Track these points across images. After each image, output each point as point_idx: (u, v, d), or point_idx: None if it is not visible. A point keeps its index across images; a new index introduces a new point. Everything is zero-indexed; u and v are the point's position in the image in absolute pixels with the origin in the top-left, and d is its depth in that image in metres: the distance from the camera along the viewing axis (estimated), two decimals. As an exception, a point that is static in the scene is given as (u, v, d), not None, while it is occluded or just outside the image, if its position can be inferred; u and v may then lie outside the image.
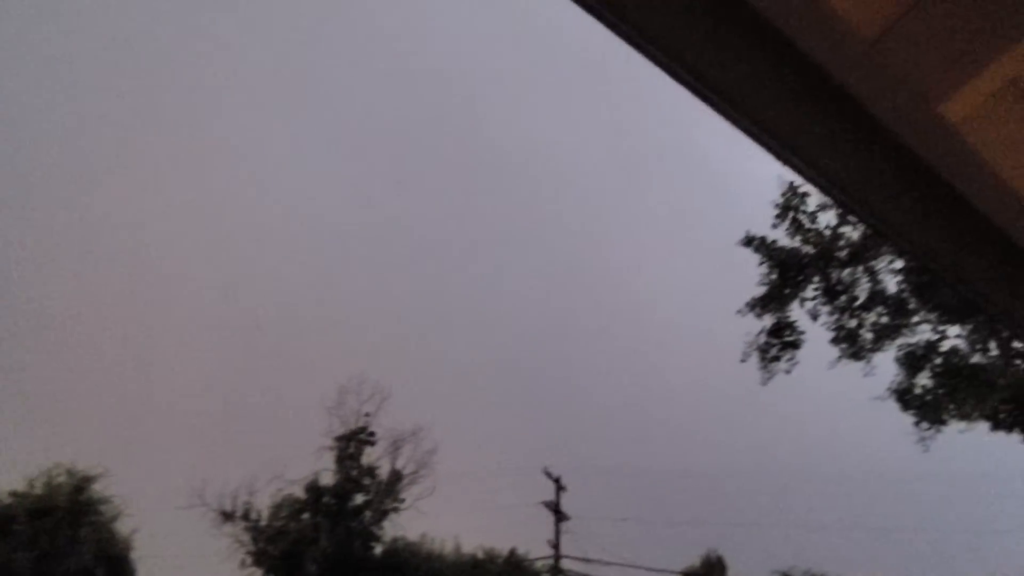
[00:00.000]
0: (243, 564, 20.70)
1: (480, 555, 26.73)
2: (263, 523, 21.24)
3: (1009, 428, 9.94)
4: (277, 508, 21.74)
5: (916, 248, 1.87)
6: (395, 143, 46.55)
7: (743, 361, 10.30)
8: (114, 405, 28.62)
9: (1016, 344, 10.01)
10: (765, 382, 10.20)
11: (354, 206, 44.87)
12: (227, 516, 20.84)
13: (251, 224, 40.90)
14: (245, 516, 21.09)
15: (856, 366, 9.99)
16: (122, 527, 20.98)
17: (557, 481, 29.43)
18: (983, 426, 10.06)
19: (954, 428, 9.93)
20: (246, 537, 20.88)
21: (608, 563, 28.76)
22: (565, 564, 27.67)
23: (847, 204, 1.69)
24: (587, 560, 27.71)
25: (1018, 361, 10.16)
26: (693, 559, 36.59)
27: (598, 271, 48.77)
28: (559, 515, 28.71)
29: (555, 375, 44.71)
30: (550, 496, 29.19)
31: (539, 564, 27.92)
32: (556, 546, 28.00)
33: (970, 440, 10.91)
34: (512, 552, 28.00)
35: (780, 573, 30.29)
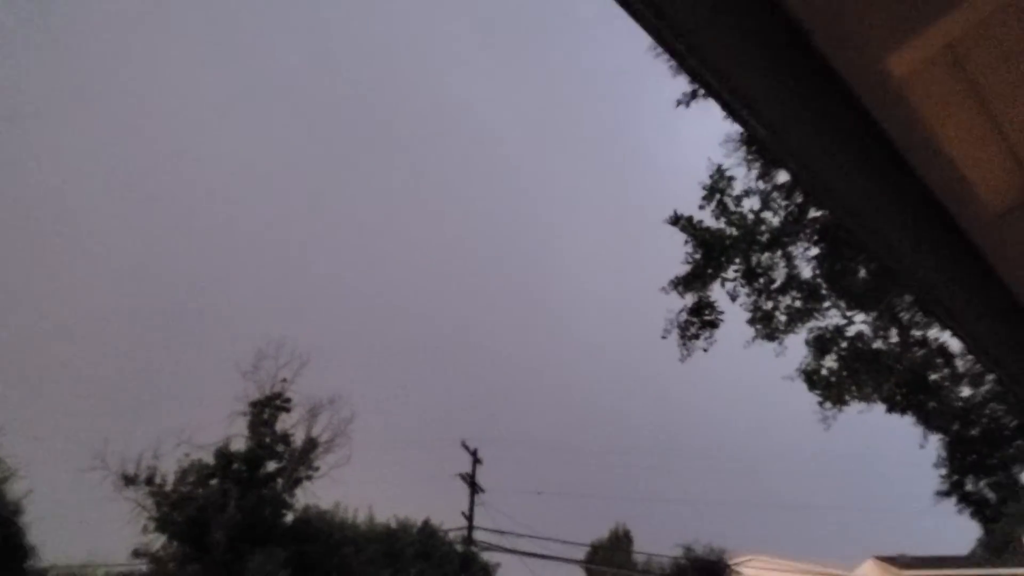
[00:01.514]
0: (145, 530, 19.96)
1: (394, 525, 26.69)
2: (168, 488, 20.49)
3: (903, 410, 10.70)
4: (184, 473, 21.01)
5: (845, 205, 1.88)
6: (317, 110, 45.16)
7: (664, 338, 10.62)
8: (9, 359, 26.90)
9: (914, 332, 10.74)
10: (684, 359, 10.57)
11: (278, 171, 43.41)
12: (129, 480, 19.98)
13: (171, 185, 39.00)
14: (149, 480, 20.29)
15: (767, 348, 10.51)
16: (14, 488, 19.80)
17: (474, 454, 29.64)
18: (880, 408, 10.81)
19: (854, 409, 10.60)
20: (149, 502, 20.11)
21: (520, 535, 29.27)
22: (478, 535, 27.96)
23: (783, 148, 1.67)
24: (500, 532, 28.12)
25: (915, 348, 10.89)
26: (602, 532, 37.72)
27: (523, 246, 48.99)
28: (474, 487, 28.96)
29: (476, 350, 44.88)
30: (466, 468, 29.40)
31: (452, 535, 28.10)
32: (470, 518, 28.25)
33: (867, 421, 11.64)
34: (426, 522, 28.09)
35: (683, 546, 31.59)
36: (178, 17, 40.72)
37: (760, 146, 9.15)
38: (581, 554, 33.99)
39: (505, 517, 29.09)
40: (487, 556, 27.63)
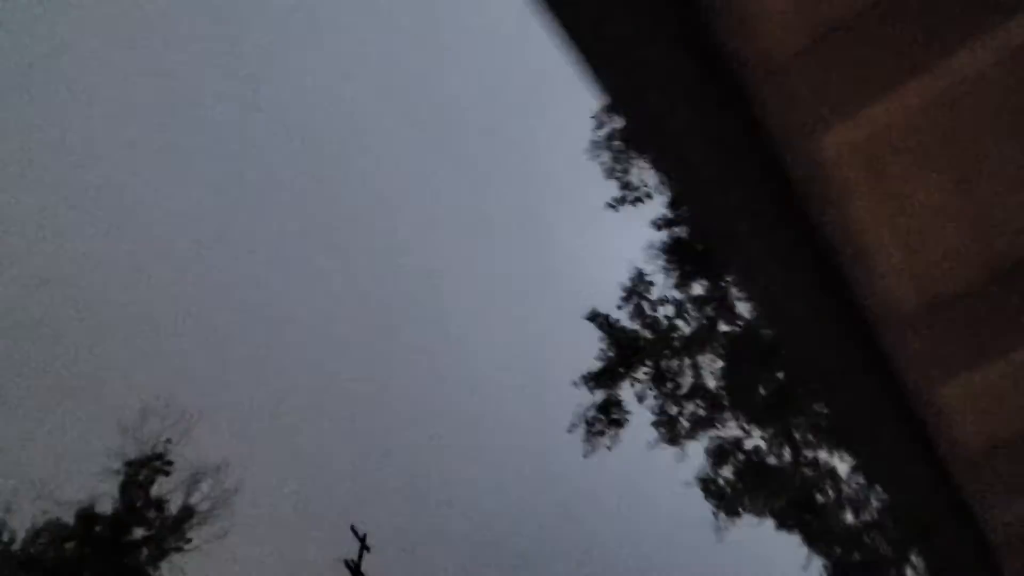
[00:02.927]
0: (-20, 593, 17.81)
1: (264, 610, 24.78)
2: (16, 547, 18.51)
3: (791, 528, 10.97)
4: (37, 532, 19.08)
5: (752, 276, 1.93)
6: (230, 162, 44.78)
7: (570, 432, 10.67)
8: None
9: (806, 452, 11.19)
10: (587, 455, 10.62)
11: (178, 215, 42.25)
12: (-29, 534, 17.97)
13: (77, 216, 37.33)
14: (-6, 536, 18.30)
15: (670, 452, 10.70)
16: None
17: (362, 540, 28.21)
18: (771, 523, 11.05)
19: (746, 524, 10.79)
20: (-10, 561, 18.05)
21: (400, 633, 27.72)
22: (354, 631, 26.19)
23: (699, 203, 1.71)
24: (378, 629, 26.48)
25: (805, 468, 11.31)
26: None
27: (431, 333, 48.71)
28: (356, 575, 27.40)
29: (377, 433, 43.56)
30: (354, 555, 27.89)
31: (327, 627, 26.26)
32: (348, 609, 26.57)
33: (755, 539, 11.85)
34: (300, 611, 26.20)
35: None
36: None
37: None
38: (462, 660, 32.33)
39: (386, 612, 27.47)
40: (361, 654, 25.88)
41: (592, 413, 10.54)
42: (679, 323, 10.36)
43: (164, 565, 21.15)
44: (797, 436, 10.87)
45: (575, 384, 10.57)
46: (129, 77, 40.53)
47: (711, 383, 10.53)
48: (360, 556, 27.99)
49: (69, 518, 19.80)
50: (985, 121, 1.74)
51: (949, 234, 2.02)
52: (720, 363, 10.59)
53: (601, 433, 10.52)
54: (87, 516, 20.05)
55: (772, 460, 10.91)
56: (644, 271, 10.21)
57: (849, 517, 12.55)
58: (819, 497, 11.55)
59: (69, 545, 19.23)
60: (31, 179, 36.20)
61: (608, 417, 10.51)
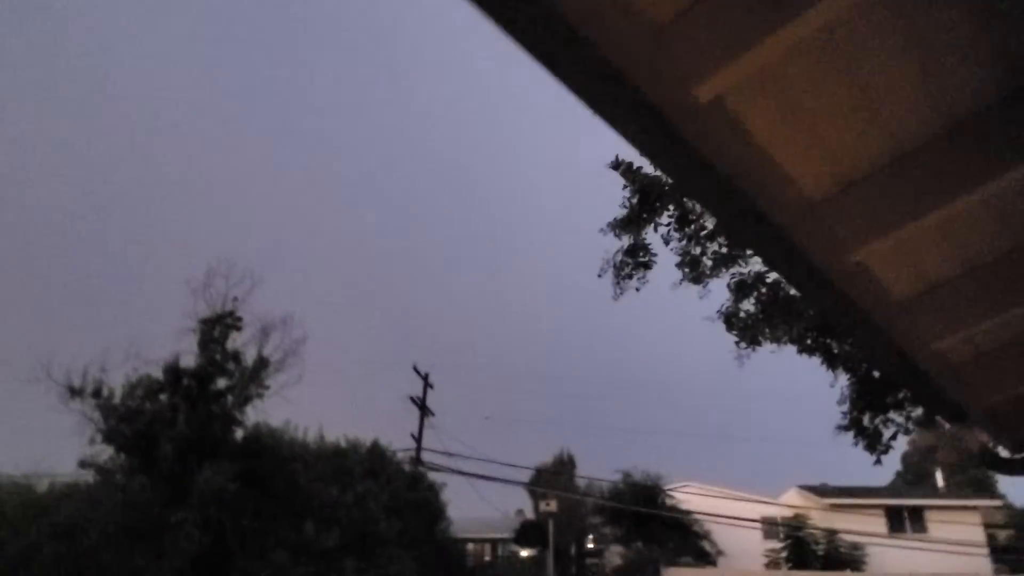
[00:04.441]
0: (92, 442, 20.23)
1: (343, 444, 27.41)
2: (116, 402, 20.68)
3: (812, 352, 11.51)
4: (132, 387, 21.18)
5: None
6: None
7: (600, 276, 11.12)
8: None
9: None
10: (617, 297, 11.11)
11: (238, 80, 41.90)
12: (75, 392, 20.08)
13: (135, 91, 37.52)
14: (96, 393, 20.41)
15: (694, 290, 11.10)
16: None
17: (425, 378, 30.40)
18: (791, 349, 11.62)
19: (767, 350, 11.37)
20: (96, 415, 20.29)
21: (467, 457, 30.45)
22: (426, 457, 28.90)
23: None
24: (448, 454, 29.17)
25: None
26: (546, 457, 39.39)
27: (484, 172, 48.66)
28: (424, 410, 29.80)
29: (430, 277, 45.18)
30: (418, 392, 30.19)
31: (401, 456, 28.96)
32: (418, 439, 29.20)
33: (782, 362, 12.50)
34: (375, 442, 28.88)
35: (622, 472, 33.31)
36: None
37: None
38: (526, 477, 35.58)
39: (453, 440, 30.04)
40: (434, 477, 28.72)
41: (620, 258, 10.91)
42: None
43: (248, 410, 23.33)
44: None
45: (602, 231, 10.89)
46: None
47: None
48: (424, 393, 30.31)
49: (158, 373, 21.78)
50: (859, 47, 2.00)
51: (850, 130, 2.31)
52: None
53: (629, 276, 10.93)
54: (174, 370, 21.95)
55: (792, 291, 11.25)
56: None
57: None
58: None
59: (162, 397, 21.32)
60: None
61: (635, 260, 10.87)
